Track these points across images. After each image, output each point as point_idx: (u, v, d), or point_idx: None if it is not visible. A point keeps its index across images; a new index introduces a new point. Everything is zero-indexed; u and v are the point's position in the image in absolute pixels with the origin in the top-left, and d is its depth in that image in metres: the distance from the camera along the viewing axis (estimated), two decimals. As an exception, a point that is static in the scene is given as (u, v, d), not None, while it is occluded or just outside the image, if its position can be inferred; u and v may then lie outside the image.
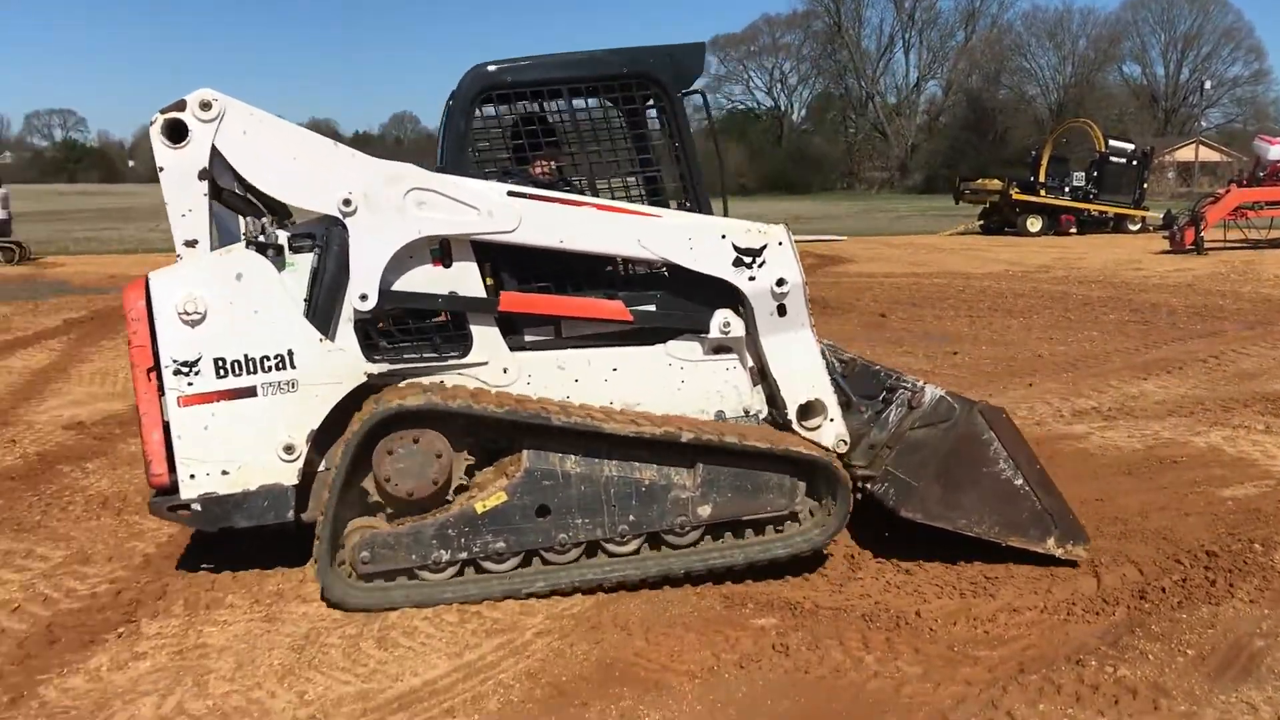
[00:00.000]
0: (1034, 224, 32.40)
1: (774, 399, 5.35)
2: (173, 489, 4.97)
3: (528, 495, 4.99)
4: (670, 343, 5.33)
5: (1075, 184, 33.45)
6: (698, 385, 5.35)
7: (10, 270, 23.31)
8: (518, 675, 4.27)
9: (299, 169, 4.96)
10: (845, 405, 5.52)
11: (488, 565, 5.05)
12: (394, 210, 4.95)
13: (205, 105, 4.86)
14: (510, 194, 5.04)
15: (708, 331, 5.28)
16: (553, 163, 5.51)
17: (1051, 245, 28.37)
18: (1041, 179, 33.04)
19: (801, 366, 5.33)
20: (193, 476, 4.96)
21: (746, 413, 5.43)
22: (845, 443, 5.38)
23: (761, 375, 5.36)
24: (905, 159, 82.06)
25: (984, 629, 4.63)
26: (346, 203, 4.92)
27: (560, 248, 5.08)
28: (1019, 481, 5.21)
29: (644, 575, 5.07)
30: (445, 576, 5.02)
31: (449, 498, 5.03)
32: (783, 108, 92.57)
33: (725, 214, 5.55)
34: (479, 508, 4.97)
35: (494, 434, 5.04)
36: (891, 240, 31.09)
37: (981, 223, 34.33)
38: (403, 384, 5.06)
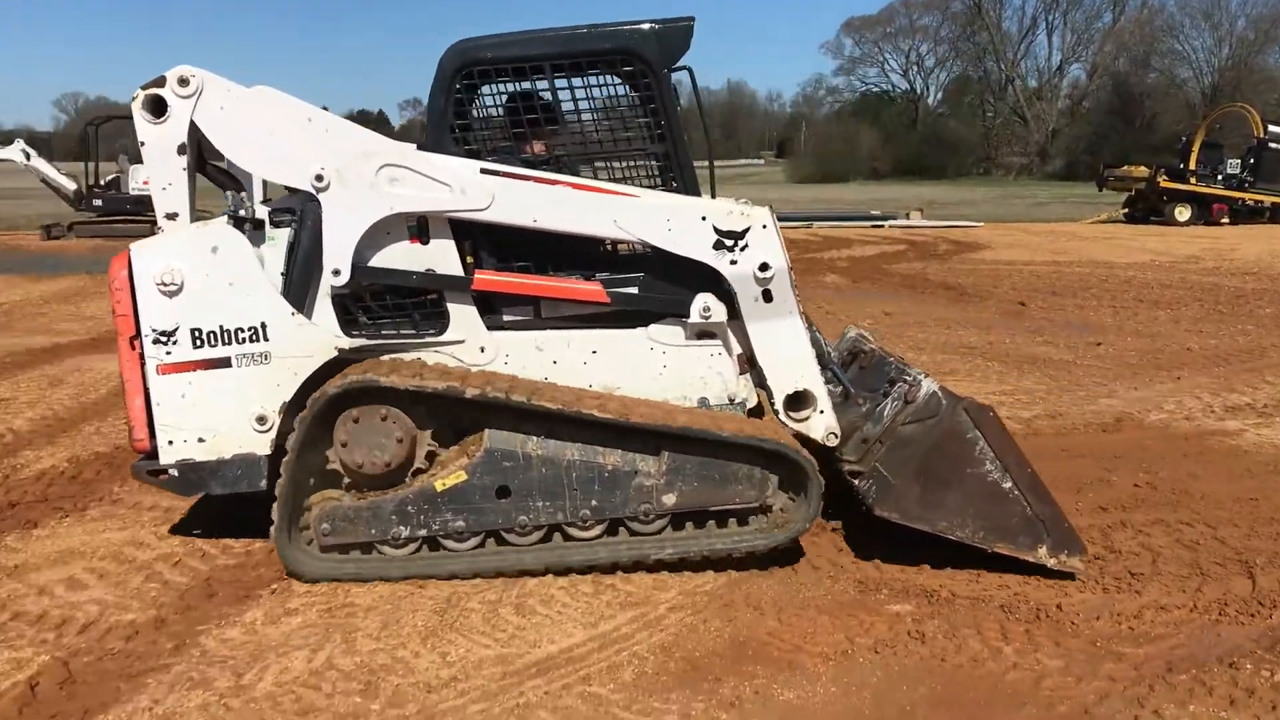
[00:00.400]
0: (1182, 213, 31.03)
1: (762, 387, 5.25)
2: (154, 454, 5.10)
3: (488, 475, 4.95)
4: (652, 326, 5.21)
5: (1229, 172, 31.91)
6: (681, 371, 5.24)
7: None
8: (652, 648, 4.32)
9: (274, 144, 4.99)
10: (844, 397, 5.43)
11: (448, 544, 5.06)
12: (366, 186, 4.95)
13: (183, 81, 4.94)
14: (483, 171, 4.98)
15: (688, 316, 5.14)
16: (542, 143, 5.34)
17: (1201, 235, 27.17)
18: (1192, 166, 31.61)
19: (789, 355, 5.19)
20: (170, 443, 5.08)
21: (731, 400, 5.28)
22: (835, 436, 5.26)
23: (749, 363, 5.24)
24: (1045, 144, 79.37)
25: (1129, 625, 4.50)
26: (319, 178, 4.93)
27: (534, 227, 5.01)
28: (1007, 484, 4.91)
29: (614, 560, 5.03)
30: (405, 553, 5.05)
31: (411, 475, 5.05)
32: (918, 91, 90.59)
33: (714, 196, 5.40)
34: (438, 485, 4.96)
35: (452, 413, 5.00)
36: (1030, 227, 30.19)
37: (1126, 211, 33.05)
38: (367, 361, 5.07)
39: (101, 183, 25.82)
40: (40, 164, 25.33)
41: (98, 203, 25.53)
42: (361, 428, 4.92)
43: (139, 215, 25.64)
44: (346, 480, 5.03)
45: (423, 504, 4.96)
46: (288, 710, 3.85)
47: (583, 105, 5.22)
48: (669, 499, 5.00)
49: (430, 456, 5.03)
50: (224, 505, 5.36)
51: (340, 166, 4.93)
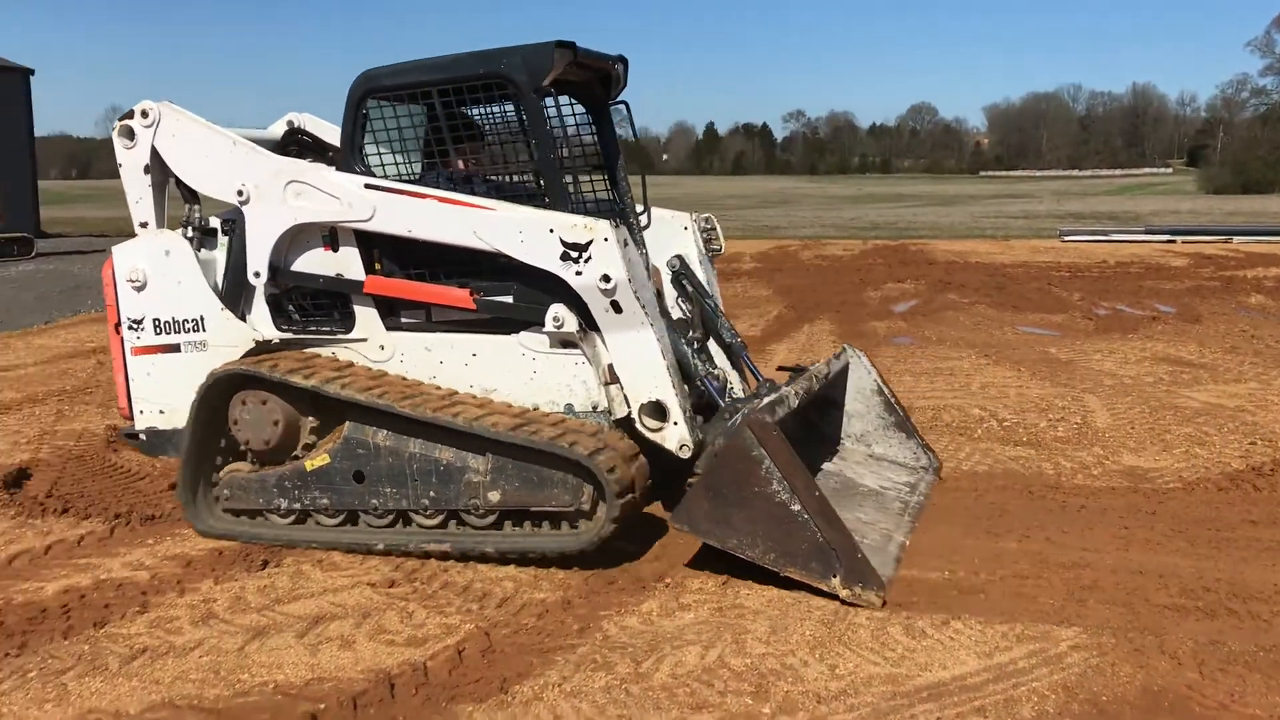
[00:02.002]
0: None
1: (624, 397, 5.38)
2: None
3: (346, 461, 5.55)
4: (523, 334, 5.51)
5: None
6: (549, 377, 5.51)
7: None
8: (1052, 686, 4.08)
9: (209, 164, 5.86)
10: (712, 409, 5.56)
11: (319, 518, 5.70)
12: (277, 200, 5.67)
13: (144, 114, 5.95)
14: (367, 186, 5.52)
15: (543, 325, 5.33)
16: (459, 160, 5.78)
17: None
18: None
19: (642, 366, 5.32)
20: (141, 412, 6.12)
21: (595, 408, 5.46)
22: (688, 448, 5.31)
23: (611, 372, 5.35)
24: None
25: None
26: (240, 193, 5.73)
27: (410, 236, 5.48)
28: (795, 507, 4.81)
29: (449, 549, 5.39)
30: (286, 522, 5.76)
31: (298, 454, 5.72)
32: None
33: (647, 213, 6.15)
34: (308, 466, 5.63)
35: (326, 403, 5.53)
36: None
37: None
38: (282, 352, 5.80)
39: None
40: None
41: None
42: (248, 410, 5.69)
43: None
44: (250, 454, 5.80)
45: (297, 481, 5.68)
46: (682, 703, 3.99)
47: (483, 126, 5.81)
48: (494, 496, 5.33)
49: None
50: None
51: (258, 183, 5.72)
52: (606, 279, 5.19)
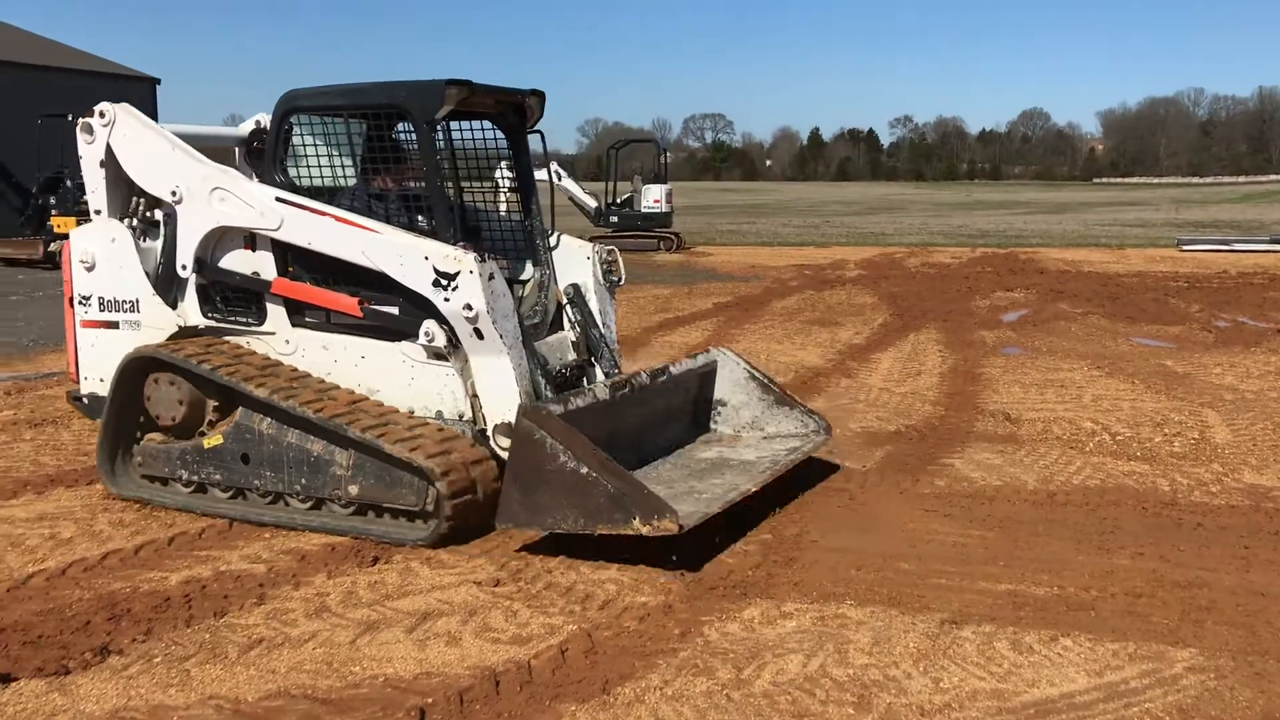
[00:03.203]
0: None
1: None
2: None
3: (235, 443, 6.14)
4: (403, 343, 6.01)
5: None
6: (424, 385, 6.03)
7: (669, 257, 26.33)
8: (1167, 708, 3.97)
9: (151, 165, 6.47)
10: None
11: (214, 491, 6.30)
12: (203, 202, 6.30)
13: (102, 114, 6.58)
14: (278, 199, 6.12)
15: (418, 338, 5.82)
16: (381, 179, 6.45)
17: None
18: None
19: (497, 389, 5.84)
20: (86, 379, 6.85)
21: (460, 418, 5.97)
22: None
23: (474, 389, 5.89)
24: None
25: None
26: (174, 193, 6.38)
27: (309, 248, 6.06)
28: (584, 471, 5.21)
29: (314, 528, 5.92)
30: (187, 491, 6.38)
31: (203, 431, 6.33)
32: None
33: (552, 235, 6.84)
34: (205, 443, 6.24)
35: (222, 389, 6.13)
36: None
37: None
38: (203, 337, 6.44)
39: (618, 201, 28.33)
40: (568, 184, 28.25)
41: (614, 219, 28.04)
42: (159, 388, 6.35)
43: (648, 230, 27.86)
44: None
45: (195, 456, 6.29)
46: (784, 711, 3.99)
47: (393, 149, 6.33)
48: (354, 490, 5.87)
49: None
50: (730, 506, 5.66)
51: (189, 186, 6.33)
52: (469, 308, 5.70)
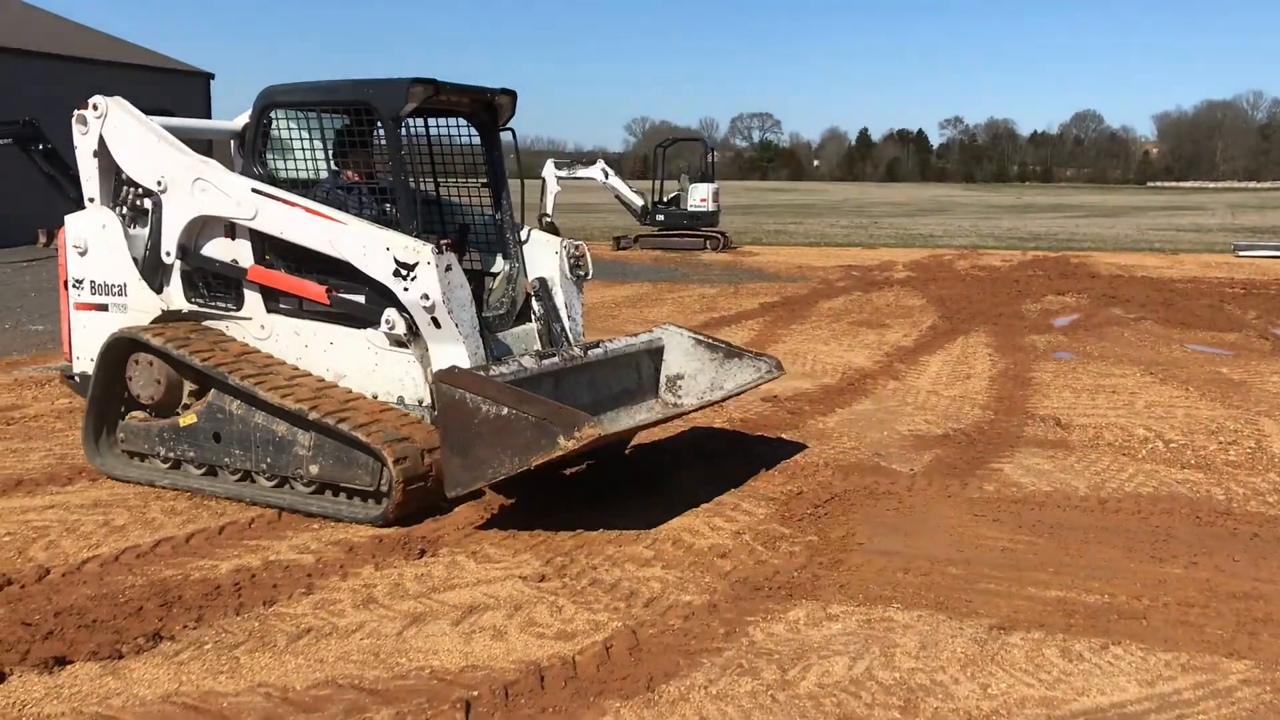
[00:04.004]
0: None
1: None
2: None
3: (208, 422, 6.44)
4: (368, 330, 6.23)
5: None
6: (387, 371, 6.25)
7: (715, 257, 26.28)
8: (1221, 720, 3.91)
9: (139, 156, 6.74)
10: None
11: (188, 468, 6.61)
12: (185, 192, 6.56)
13: (95, 107, 6.85)
14: (253, 190, 6.35)
15: (380, 325, 6.07)
16: (350, 171, 6.68)
17: None
18: None
19: None
20: (78, 358, 7.16)
21: (421, 403, 6.17)
22: None
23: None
24: None
25: None
26: (159, 183, 6.65)
27: (282, 237, 6.30)
28: (503, 411, 5.36)
29: (280, 506, 6.19)
30: (164, 468, 6.68)
31: (180, 410, 6.62)
32: None
33: (523, 229, 7.05)
34: (181, 422, 6.56)
35: (199, 371, 6.36)
36: None
37: None
38: (173, 322, 6.71)
39: (665, 200, 28.32)
40: (615, 182, 28.30)
41: (660, 217, 28.04)
42: (139, 369, 6.66)
43: (694, 229, 27.82)
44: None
45: (171, 434, 6.61)
46: (829, 713, 3.96)
47: (363, 143, 6.53)
48: (314, 469, 6.13)
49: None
50: (776, 507, 5.64)
51: (173, 176, 6.60)
52: (426, 297, 5.94)
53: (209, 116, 37.76)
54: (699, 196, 27.86)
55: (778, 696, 4.07)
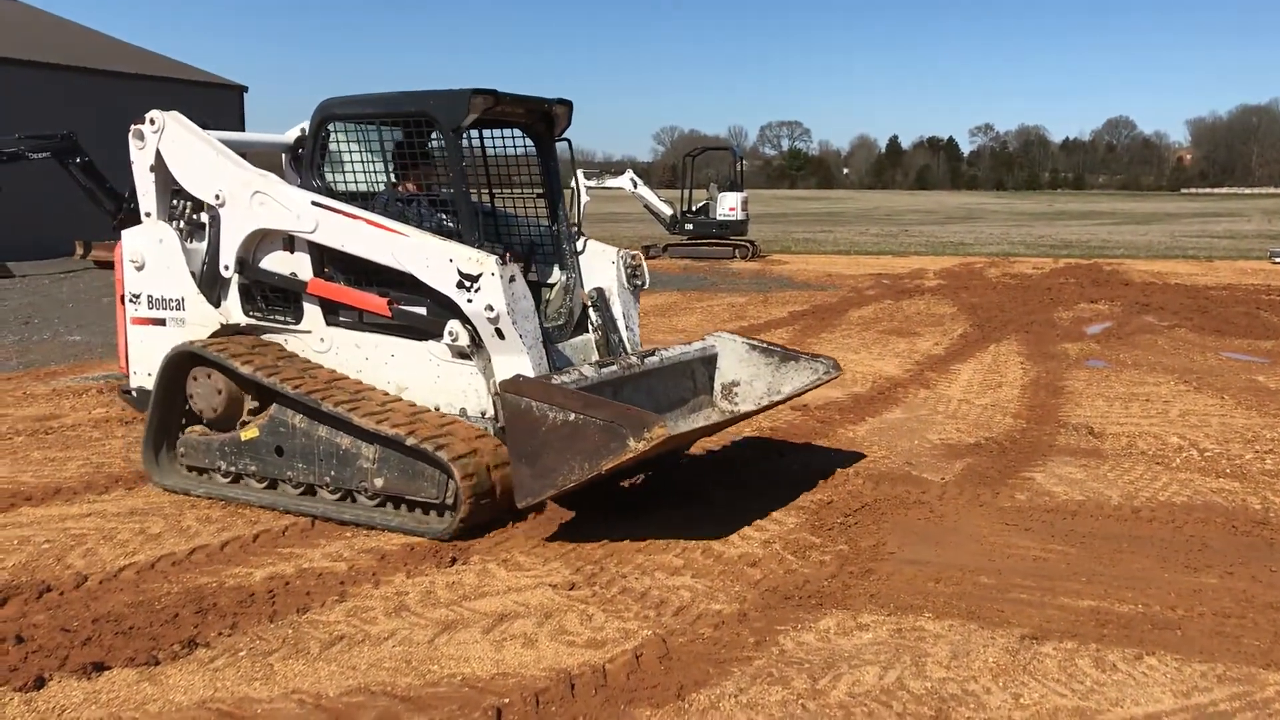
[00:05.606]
0: None
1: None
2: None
3: (271, 436, 6.41)
4: (430, 342, 6.21)
5: None
6: (450, 382, 6.21)
7: (744, 265, 26.27)
8: (1258, 732, 3.86)
9: (197, 170, 6.74)
10: None
11: (250, 482, 6.58)
12: (245, 206, 6.55)
13: (152, 121, 6.88)
14: (313, 203, 6.31)
15: (443, 337, 6.05)
16: (409, 183, 6.66)
17: None
18: None
19: None
20: (135, 373, 7.16)
21: (483, 415, 6.12)
22: None
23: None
24: None
25: None
26: (217, 197, 6.65)
27: (343, 250, 6.27)
28: (571, 417, 5.33)
29: (347, 520, 6.17)
30: (225, 481, 6.65)
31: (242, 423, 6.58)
32: None
33: (578, 239, 6.98)
34: (243, 436, 6.53)
35: (259, 385, 6.37)
36: None
37: None
38: (235, 337, 6.66)
39: (693, 208, 28.34)
40: (644, 191, 28.36)
41: (689, 226, 28.06)
42: (199, 383, 6.62)
43: (723, 238, 27.83)
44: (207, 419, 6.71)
45: (233, 448, 6.58)
46: (860, 722, 3.96)
47: (423, 155, 6.40)
48: (379, 482, 6.10)
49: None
50: (806, 516, 5.64)
51: (231, 190, 6.60)
52: (490, 308, 5.88)
53: (243, 130, 38.22)
54: (728, 205, 27.86)
55: (808, 705, 4.06)
